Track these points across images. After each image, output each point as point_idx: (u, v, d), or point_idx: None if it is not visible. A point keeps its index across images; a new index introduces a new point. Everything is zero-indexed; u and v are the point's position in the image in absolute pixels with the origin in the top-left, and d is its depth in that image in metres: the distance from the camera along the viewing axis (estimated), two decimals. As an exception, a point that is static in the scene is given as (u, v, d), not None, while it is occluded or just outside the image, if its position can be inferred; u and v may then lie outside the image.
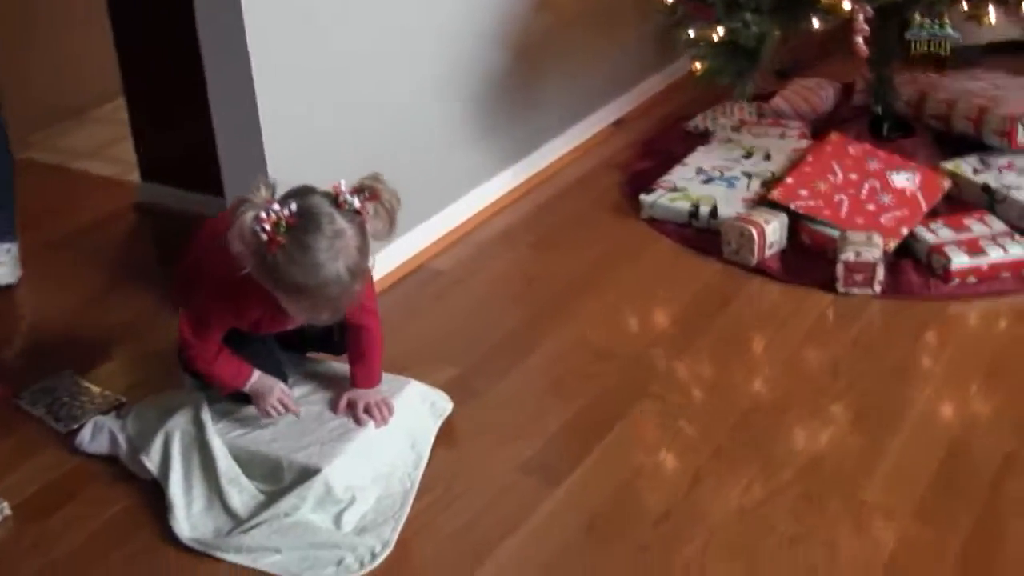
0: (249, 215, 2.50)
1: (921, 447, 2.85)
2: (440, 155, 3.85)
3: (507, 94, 4.14)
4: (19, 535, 2.77)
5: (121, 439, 2.98)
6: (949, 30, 3.62)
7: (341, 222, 2.54)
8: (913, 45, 3.70)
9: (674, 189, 4.02)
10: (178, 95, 4.02)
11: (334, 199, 2.56)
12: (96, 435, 3.02)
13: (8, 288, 3.76)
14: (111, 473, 2.95)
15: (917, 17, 3.61)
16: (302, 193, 2.58)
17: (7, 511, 2.82)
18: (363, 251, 2.59)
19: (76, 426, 3.10)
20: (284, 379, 2.98)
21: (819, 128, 4.40)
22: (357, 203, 2.57)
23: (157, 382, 3.18)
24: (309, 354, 3.18)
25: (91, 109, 5.26)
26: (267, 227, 2.50)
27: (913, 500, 2.67)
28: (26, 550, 2.72)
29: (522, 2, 4.15)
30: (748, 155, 4.18)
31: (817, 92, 4.68)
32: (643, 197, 4.02)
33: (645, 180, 4.15)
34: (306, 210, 2.53)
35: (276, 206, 2.51)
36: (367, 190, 2.59)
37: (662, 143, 4.52)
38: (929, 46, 3.66)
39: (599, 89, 4.68)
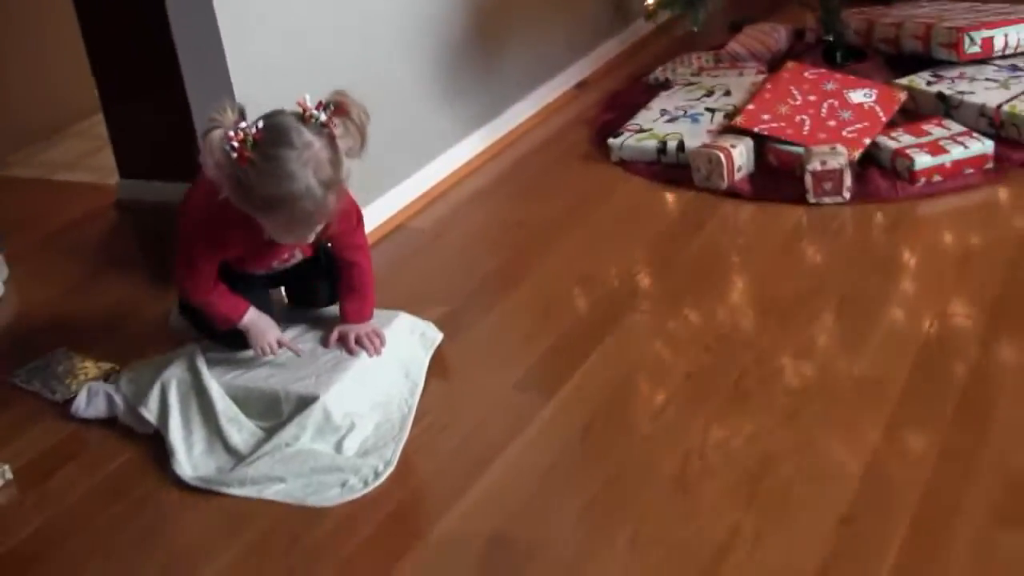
0: (217, 133, 2.56)
1: (900, 339, 2.93)
2: (409, 120, 3.93)
3: (470, 60, 4.24)
4: (22, 496, 2.81)
5: (117, 399, 3.02)
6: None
7: (308, 135, 2.60)
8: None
9: (640, 130, 4.10)
10: (151, 89, 4.15)
11: (300, 115, 2.62)
12: (92, 399, 3.06)
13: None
14: (109, 433, 2.99)
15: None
16: (269, 113, 2.64)
17: (8, 475, 2.86)
18: (334, 163, 2.63)
19: (72, 395, 3.14)
20: (277, 324, 3.03)
21: (775, 66, 4.50)
22: (324, 117, 2.62)
23: (148, 354, 3.22)
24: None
25: (67, 127, 5.33)
26: (235, 144, 2.56)
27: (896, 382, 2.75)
28: (30, 508, 2.75)
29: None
30: (709, 93, 4.27)
31: (771, 34, 4.79)
32: (611, 141, 4.12)
33: (611, 129, 4.25)
34: (273, 126, 2.59)
35: (243, 124, 2.58)
36: (333, 104, 2.64)
37: (625, 97, 4.62)
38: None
39: (560, 54, 4.79)
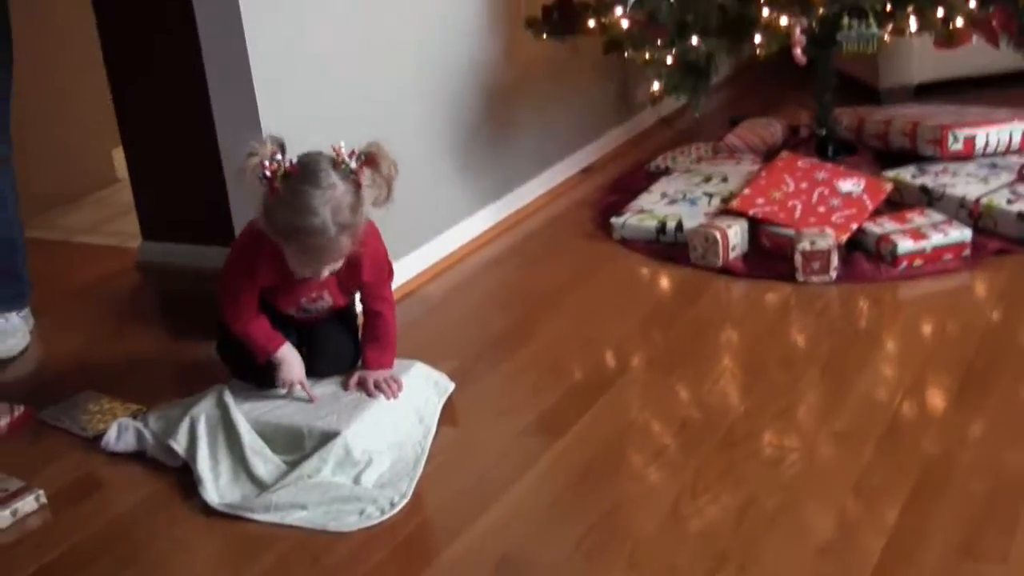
0: (253, 161, 2.87)
1: (872, 409, 3.13)
2: (425, 192, 4.16)
3: (484, 139, 4.51)
4: (56, 517, 2.99)
5: (147, 434, 3.22)
6: (875, 29, 3.93)
7: (334, 178, 2.89)
8: (844, 46, 4.02)
9: (642, 211, 4.34)
10: (178, 154, 4.41)
11: (334, 159, 2.91)
12: (122, 434, 3.24)
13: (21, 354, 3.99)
14: (138, 466, 3.17)
15: (846, 19, 3.93)
16: (307, 153, 2.93)
17: (43, 499, 3.04)
18: (353, 208, 2.91)
19: (100, 432, 3.33)
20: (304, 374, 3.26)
21: (770, 158, 4.72)
22: (354, 165, 2.92)
23: (171, 399, 3.41)
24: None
25: (84, 196, 5.57)
26: (268, 174, 2.88)
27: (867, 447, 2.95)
28: (63, 530, 2.92)
29: (495, 52, 4.55)
30: (707, 179, 4.51)
31: (767, 128, 5.03)
32: (613, 219, 4.35)
33: (614, 211, 4.47)
34: (305, 163, 2.90)
35: (280, 156, 2.88)
36: (365, 154, 2.94)
37: (627, 182, 4.86)
38: (858, 45, 3.98)
39: (568, 138, 5.04)
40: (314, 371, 3.28)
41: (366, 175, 2.94)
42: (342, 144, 2.92)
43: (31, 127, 5.05)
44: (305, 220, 2.86)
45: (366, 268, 3.14)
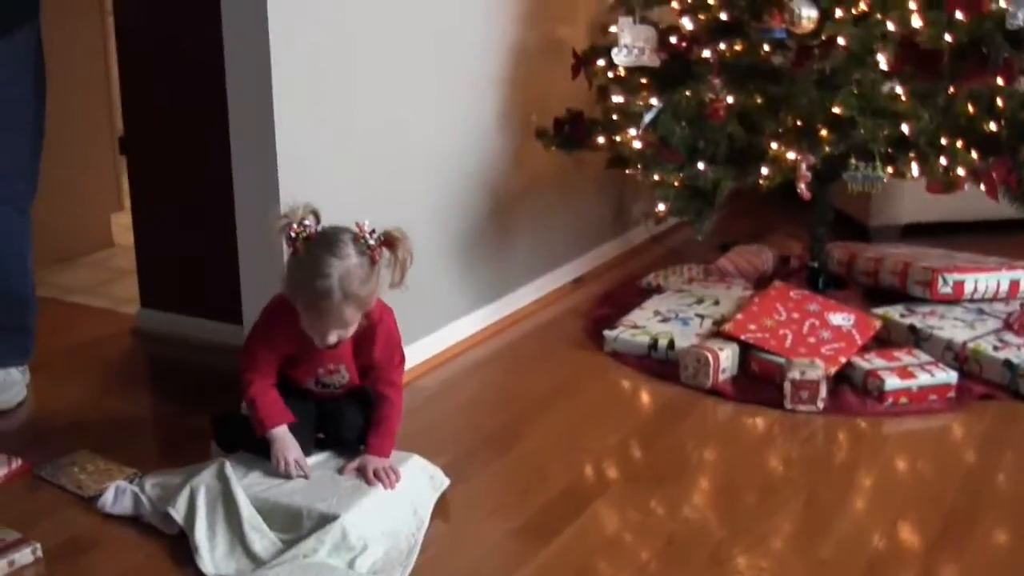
0: (282, 222, 3.09)
1: (850, 547, 3.19)
2: (427, 286, 4.19)
3: (486, 239, 4.60)
4: (51, 572, 3.03)
5: (144, 499, 3.26)
6: (880, 173, 4.05)
7: (350, 249, 3.10)
8: (849, 185, 4.14)
9: (635, 327, 4.42)
10: (187, 225, 4.49)
11: (355, 234, 3.09)
12: (119, 497, 3.29)
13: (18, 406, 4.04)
14: (134, 528, 3.20)
15: (853, 161, 4.05)
16: (334, 225, 3.14)
17: (39, 552, 3.07)
18: (363, 281, 3.10)
19: (96, 492, 3.37)
20: (308, 450, 3.34)
21: (760, 285, 4.85)
22: (372, 242, 3.10)
23: (164, 465, 3.48)
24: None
25: (79, 257, 5.62)
26: (292, 235, 3.09)
27: None
28: (60, 584, 2.94)
29: (504, 157, 4.66)
30: (699, 301, 4.61)
31: (758, 255, 5.14)
32: (606, 332, 4.43)
33: (606, 323, 4.55)
34: (327, 232, 3.12)
35: (308, 222, 3.09)
36: (385, 236, 3.13)
37: (618, 296, 4.95)
38: (863, 186, 4.10)
39: (563, 248, 5.15)
40: (323, 444, 3.40)
41: (383, 255, 3.13)
42: (366, 222, 3.12)
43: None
44: (315, 281, 3.04)
45: (379, 346, 3.29)
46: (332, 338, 3.15)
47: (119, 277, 5.25)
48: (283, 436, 3.28)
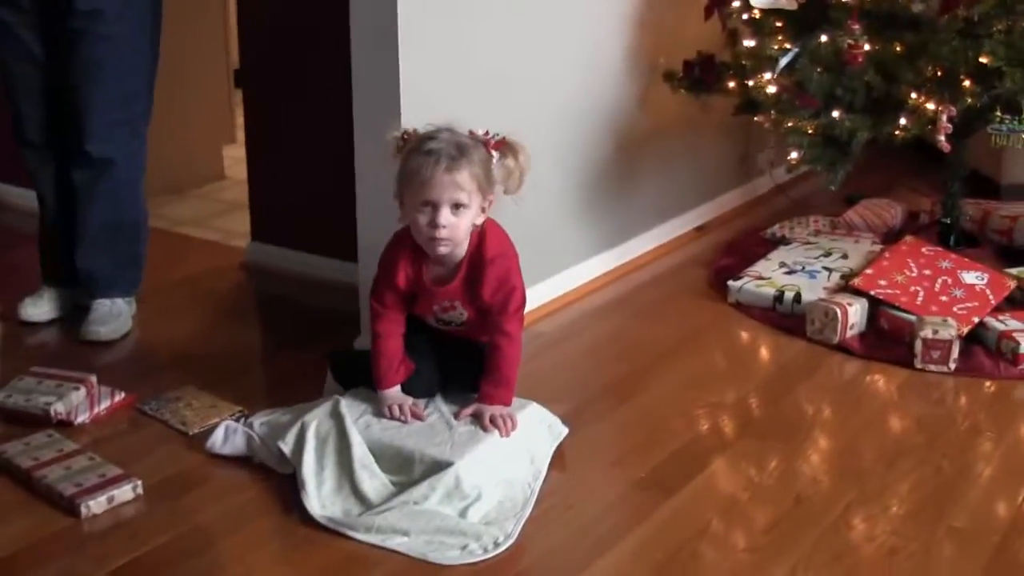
0: (392, 132, 3.07)
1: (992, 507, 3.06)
2: (547, 230, 4.17)
3: (609, 183, 4.50)
4: (152, 509, 2.97)
5: (256, 436, 3.19)
6: (1027, 125, 3.89)
7: (464, 137, 3.05)
8: (993, 138, 3.98)
9: (760, 278, 4.30)
10: (302, 159, 4.43)
11: (471, 131, 3.04)
12: (229, 437, 3.22)
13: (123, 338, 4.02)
14: (239, 468, 3.15)
15: (997, 114, 3.88)
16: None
17: (139, 489, 3.02)
18: (473, 149, 3.04)
19: (201, 429, 3.32)
20: (431, 392, 3.30)
21: (888, 240, 4.70)
22: (490, 138, 3.04)
23: (271, 404, 3.42)
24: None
25: (190, 189, 5.62)
26: (402, 136, 3.04)
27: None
28: (159, 523, 2.90)
29: (629, 100, 4.55)
30: (827, 254, 4.47)
31: (887, 209, 4.99)
32: (731, 283, 4.31)
33: (729, 273, 4.44)
34: (438, 126, 3.03)
35: (421, 129, 3.02)
36: (504, 141, 3.07)
37: (741, 245, 4.83)
38: (1008, 140, 3.94)
39: (686, 194, 5.03)
40: (444, 386, 3.32)
41: (496, 155, 3.06)
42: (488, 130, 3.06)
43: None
44: (424, 144, 3.00)
45: (489, 287, 3.14)
46: (444, 217, 3.01)
47: (230, 210, 5.21)
48: (393, 395, 3.21)
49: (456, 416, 3.19)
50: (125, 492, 2.99)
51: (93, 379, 3.48)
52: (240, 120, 4.94)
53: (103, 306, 3.95)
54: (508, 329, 3.20)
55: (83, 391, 3.42)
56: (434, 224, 3.03)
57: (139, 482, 3.02)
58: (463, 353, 3.30)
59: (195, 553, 2.80)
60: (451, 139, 2.99)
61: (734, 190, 5.38)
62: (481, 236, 3.12)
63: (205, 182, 5.64)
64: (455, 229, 3.03)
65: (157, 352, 3.91)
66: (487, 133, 3.04)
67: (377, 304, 3.24)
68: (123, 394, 3.49)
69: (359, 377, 3.32)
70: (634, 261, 4.68)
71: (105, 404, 3.44)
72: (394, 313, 3.23)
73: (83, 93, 3.74)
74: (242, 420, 3.30)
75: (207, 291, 4.43)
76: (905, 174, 5.67)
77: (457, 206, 3.01)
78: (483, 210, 3.08)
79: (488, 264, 3.14)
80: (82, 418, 3.38)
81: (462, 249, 3.12)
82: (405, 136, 3.05)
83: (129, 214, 3.96)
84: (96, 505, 2.93)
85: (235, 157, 5.62)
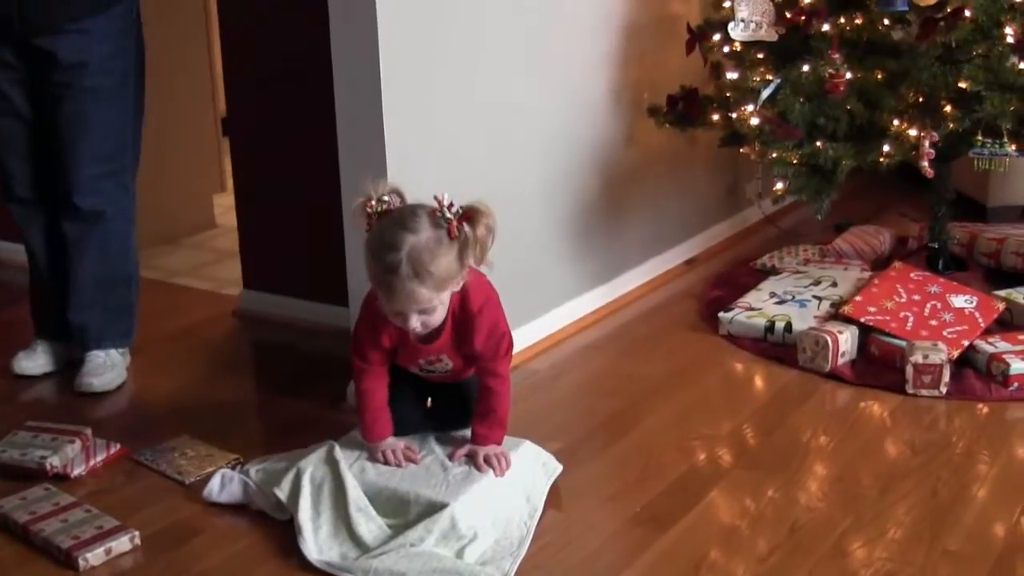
0: (360, 200, 2.96)
1: (987, 530, 3.07)
2: (540, 266, 4.20)
3: (598, 219, 4.52)
4: (150, 560, 2.97)
5: (252, 484, 3.20)
6: (1008, 150, 3.91)
7: (424, 223, 2.93)
8: (976, 162, 4.00)
9: (750, 308, 4.31)
10: (290, 206, 4.44)
11: (433, 209, 2.93)
12: (226, 485, 3.23)
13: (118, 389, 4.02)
14: (237, 516, 3.15)
15: (979, 138, 3.91)
16: (413, 202, 3.00)
17: (137, 540, 3.02)
18: (435, 256, 2.91)
19: (197, 478, 3.33)
20: (418, 429, 3.31)
21: (877, 267, 4.72)
22: (450, 216, 2.92)
23: (267, 452, 3.42)
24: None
25: (183, 238, 5.63)
26: (369, 211, 2.95)
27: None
28: (159, 572, 2.90)
29: (615, 135, 4.58)
30: (817, 283, 4.48)
31: (876, 236, 5.00)
32: (721, 315, 4.32)
33: (719, 306, 4.45)
34: (403, 208, 2.97)
35: (385, 198, 2.95)
36: (466, 210, 2.95)
37: (733, 277, 4.84)
38: (990, 163, 3.96)
39: (675, 228, 5.05)
40: (435, 424, 3.34)
41: (463, 230, 2.93)
42: (445, 195, 2.93)
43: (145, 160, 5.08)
44: (384, 255, 2.89)
45: (480, 337, 3.13)
46: (414, 323, 2.98)
47: (222, 259, 5.23)
48: (384, 443, 3.23)
49: (451, 457, 3.20)
50: (123, 543, 2.99)
51: (88, 432, 3.48)
52: (229, 168, 4.94)
53: (97, 358, 3.94)
54: (500, 371, 3.22)
55: (78, 444, 3.42)
56: (406, 325, 3.02)
57: (137, 533, 3.02)
58: (445, 392, 3.33)
59: (194, 604, 2.76)
60: (412, 249, 2.90)
61: (723, 222, 5.39)
62: (463, 292, 3.07)
63: (197, 231, 5.65)
64: (428, 324, 3.04)
65: (152, 403, 3.91)
66: (451, 206, 2.93)
67: (360, 361, 3.23)
68: (118, 446, 3.50)
69: None
70: (624, 297, 4.69)
71: (101, 456, 3.44)
72: (377, 367, 3.23)
73: (70, 147, 3.75)
74: (238, 468, 3.31)
75: (201, 340, 4.43)
76: (893, 200, 5.70)
77: (425, 311, 2.99)
78: (459, 286, 3.06)
79: (476, 317, 3.11)
80: (78, 471, 3.38)
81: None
82: (368, 207, 2.97)
83: (120, 266, 3.98)
84: (94, 557, 2.94)
85: (226, 205, 5.64)
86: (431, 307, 2.96)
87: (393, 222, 2.92)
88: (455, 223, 2.91)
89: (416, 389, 3.34)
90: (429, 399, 3.40)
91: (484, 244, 2.95)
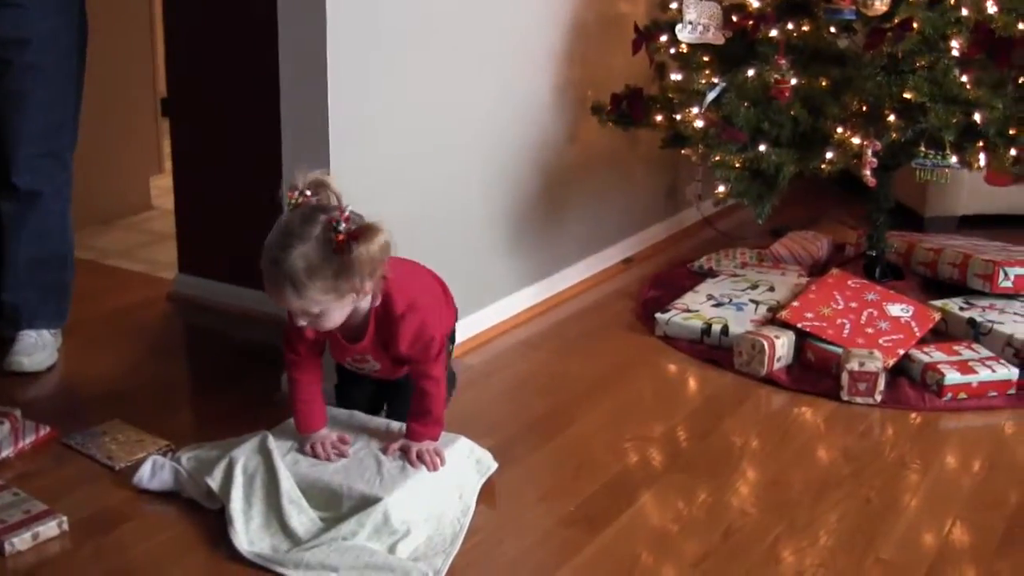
0: (286, 187, 2.93)
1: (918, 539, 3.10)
2: (478, 261, 4.19)
3: (537, 216, 4.51)
4: (78, 546, 2.92)
5: (183, 471, 3.16)
6: (951, 160, 3.94)
7: (316, 232, 2.86)
8: (918, 173, 4.02)
9: (687, 310, 4.31)
10: (230, 191, 4.37)
11: (329, 218, 2.85)
12: (157, 472, 3.18)
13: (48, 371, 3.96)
14: (167, 504, 3.11)
15: (922, 149, 3.93)
16: (327, 204, 2.91)
17: (65, 526, 2.98)
18: (312, 270, 2.85)
19: (127, 464, 3.29)
20: (375, 410, 3.36)
21: (814, 272, 4.75)
22: (340, 229, 2.86)
23: (199, 439, 3.38)
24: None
25: (118, 219, 5.56)
26: (289, 202, 2.93)
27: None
28: (85, 560, 2.86)
29: (558, 133, 4.57)
30: (754, 287, 4.49)
31: (813, 242, 5.03)
32: (658, 315, 4.32)
33: (656, 306, 4.46)
34: (305, 209, 2.90)
35: (308, 192, 2.91)
36: (359, 228, 2.86)
37: (669, 278, 4.85)
38: (932, 174, 3.98)
39: (613, 227, 5.05)
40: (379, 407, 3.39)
41: (351, 246, 2.84)
42: (348, 208, 2.87)
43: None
44: (268, 254, 2.88)
45: (404, 341, 3.09)
46: (302, 322, 2.96)
47: (157, 241, 5.18)
48: (315, 435, 3.20)
49: (384, 451, 3.16)
50: (51, 528, 2.95)
51: (17, 413, 3.42)
52: (167, 150, 4.89)
53: (29, 337, 3.89)
54: (432, 374, 3.18)
55: (7, 425, 3.36)
56: (296, 320, 3.00)
57: (65, 518, 2.98)
58: (386, 386, 3.34)
59: (120, 592, 2.72)
60: (293, 259, 2.85)
61: (661, 223, 5.40)
62: (386, 294, 3.02)
63: (132, 212, 5.58)
64: (319, 325, 3.00)
65: (82, 385, 3.86)
66: (348, 219, 2.85)
67: (291, 352, 3.19)
68: (48, 428, 3.44)
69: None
70: (561, 294, 4.69)
71: (29, 438, 3.39)
72: (308, 359, 3.20)
73: (9, 125, 3.69)
74: (169, 455, 3.26)
75: (134, 324, 4.38)
76: (830, 206, 5.73)
77: (308, 315, 2.95)
78: (355, 299, 2.98)
79: (398, 321, 3.05)
80: (6, 452, 3.33)
81: (365, 306, 3.05)
82: (290, 195, 2.93)
83: (57, 246, 3.92)
84: (20, 542, 2.89)
85: (162, 187, 5.59)
86: (314, 313, 2.91)
87: (289, 222, 2.87)
88: (343, 238, 2.83)
89: (359, 381, 3.35)
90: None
91: (374, 263, 2.88)
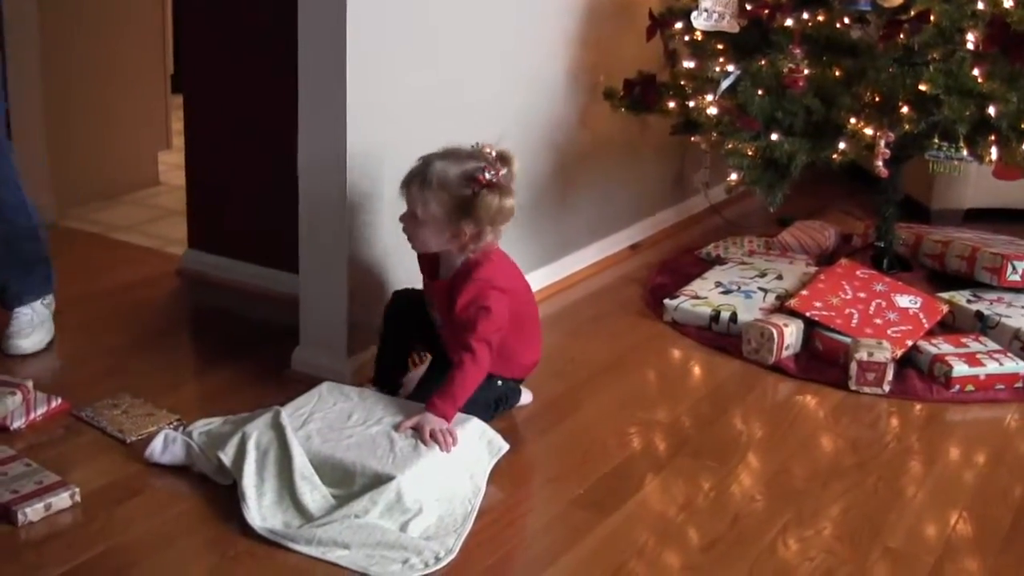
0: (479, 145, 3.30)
1: (925, 530, 3.12)
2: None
3: (548, 198, 4.52)
4: (89, 518, 2.93)
5: (195, 446, 3.16)
6: (964, 153, 3.94)
7: (466, 165, 3.23)
8: (931, 165, 4.03)
9: (696, 297, 4.32)
10: (243, 167, 4.33)
11: (486, 166, 3.24)
12: (168, 446, 3.18)
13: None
14: (178, 478, 3.11)
15: (935, 141, 3.93)
16: (493, 161, 3.27)
17: (77, 497, 2.98)
18: (445, 181, 3.23)
19: (138, 437, 3.29)
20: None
21: (822, 262, 4.77)
22: (487, 176, 3.22)
23: (209, 414, 3.38)
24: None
25: (124, 194, 5.55)
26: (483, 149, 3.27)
27: None
28: (96, 533, 2.86)
29: (569, 117, 4.58)
30: (762, 275, 4.50)
31: (821, 231, 5.03)
32: (667, 301, 4.33)
33: (664, 292, 4.47)
34: (479, 151, 3.27)
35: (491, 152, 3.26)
36: (500, 183, 3.24)
37: (677, 265, 4.86)
38: (945, 167, 3.99)
39: (622, 212, 5.06)
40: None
41: (483, 194, 3.20)
42: (504, 173, 3.25)
43: (81, 117, 5.05)
44: (425, 156, 3.26)
45: (464, 296, 3.25)
46: (401, 215, 3.31)
47: (165, 216, 5.18)
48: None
49: (396, 428, 3.16)
50: (63, 500, 2.95)
51: (29, 384, 3.44)
52: (176, 126, 4.89)
53: (24, 315, 3.87)
54: (473, 345, 3.23)
55: (19, 396, 3.37)
56: (408, 235, 3.34)
57: (77, 489, 2.98)
58: (441, 356, 3.45)
59: (133, 564, 2.76)
60: (444, 169, 3.23)
61: (668, 209, 5.41)
62: (479, 260, 3.27)
63: (140, 187, 5.57)
64: (414, 231, 3.31)
65: (91, 359, 3.85)
66: (497, 174, 3.23)
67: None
68: (60, 400, 3.44)
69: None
70: (570, 278, 4.70)
71: (41, 410, 3.39)
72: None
73: None
74: (181, 429, 3.26)
75: (142, 298, 4.38)
76: (837, 197, 5.75)
77: (413, 215, 3.23)
78: (454, 237, 3.26)
79: (469, 280, 3.24)
80: (18, 424, 3.33)
81: (460, 258, 3.30)
82: (486, 148, 3.26)
83: (21, 222, 3.83)
84: (33, 512, 2.90)
85: (170, 163, 5.58)
86: (417, 215, 3.25)
87: (460, 149, 3.27)
88: (484, 180, 3.22)
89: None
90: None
91: (491, 217, 3.23)
